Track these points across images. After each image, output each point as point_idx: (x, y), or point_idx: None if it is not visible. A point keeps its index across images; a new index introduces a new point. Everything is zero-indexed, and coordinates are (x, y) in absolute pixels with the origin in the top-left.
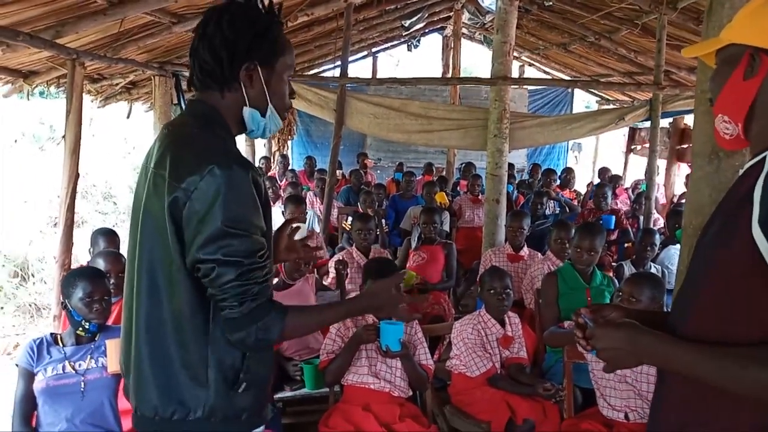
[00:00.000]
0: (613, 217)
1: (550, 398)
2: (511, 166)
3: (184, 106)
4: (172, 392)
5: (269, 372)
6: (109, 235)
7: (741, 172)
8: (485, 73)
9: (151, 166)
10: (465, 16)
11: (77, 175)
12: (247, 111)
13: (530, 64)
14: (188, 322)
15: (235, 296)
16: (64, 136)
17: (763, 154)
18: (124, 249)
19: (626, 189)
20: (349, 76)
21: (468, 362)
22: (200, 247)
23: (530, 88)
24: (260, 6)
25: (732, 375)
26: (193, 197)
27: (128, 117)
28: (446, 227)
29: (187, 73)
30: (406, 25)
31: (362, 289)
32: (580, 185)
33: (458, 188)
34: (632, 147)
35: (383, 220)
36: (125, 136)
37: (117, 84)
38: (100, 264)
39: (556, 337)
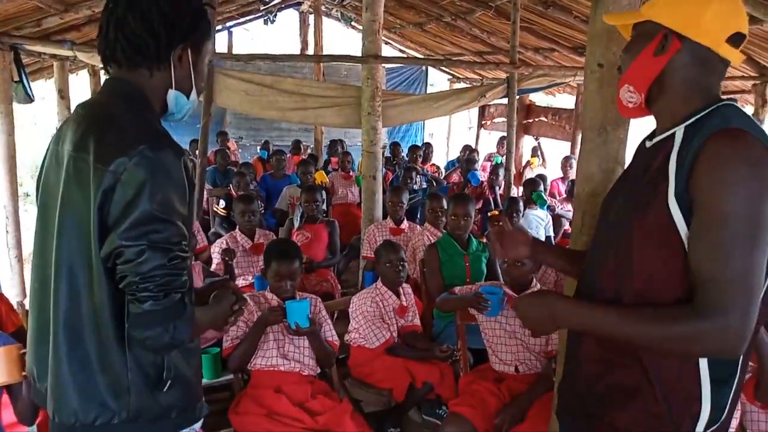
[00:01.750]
0: (477, 173)
1: (446, 360)
2: None
3: (26, 84)
4: (94, 395)
5: (196, 366)
6: None
7: (649, 144)
8: (342, 50)
9: (67, 149)
10: None
11: None
12: (171, 93)
13: (386, 43)
14: (107, 321)
15: (160, 285)
16: None
17: (673, 130)
18: None
19: (485, 162)
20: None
21: (367, 334)
22: (125, 231)
23: (387, 66)
24: None
25: (648, 334)
26: (123, 179)
27: None
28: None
29: (29, 47)
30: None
31: (262, 272)
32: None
33: (329, 166)
34: (483, 123)
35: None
36: None
37: None
38: None
39: (450, 303)
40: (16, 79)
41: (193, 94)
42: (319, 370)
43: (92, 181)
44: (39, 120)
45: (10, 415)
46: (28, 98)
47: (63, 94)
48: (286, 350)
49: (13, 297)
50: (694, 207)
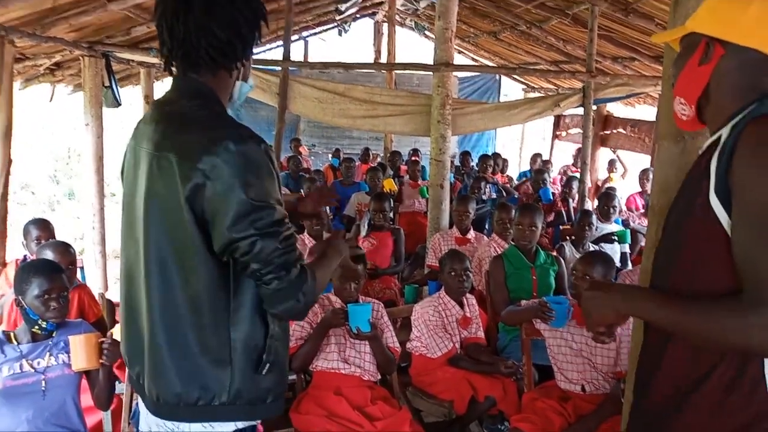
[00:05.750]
0: (550, 189)
1: (511, 375)
2: None
3: (115, 89)
4: (195, 378)
5: (288, 353)
6: (43, 224)
7: (700, 151)
8: (415, 59)
9: (147, 148)
10: (399, 2)
11: (10, 161)
12: (238, 84)
13: (459, 52)
14: (207, 305)
15: (280, 265)
16: None
17: (719, 133)
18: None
19: (559, 175)
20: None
21: (429, 344)
22: (231, 226)
23: (460, 75)
24: None
25: (698, 325)
26: (212, 177)
27: (51, 100)
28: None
29: (119, 54)
30: (342, 9)
31: None
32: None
33: (399, 174)
34: (557, 133)
35: (326, 207)
36: (43, 121)
37: (41, 65)
38: (49, 256)
39: (514, 315)
40: (107, 84)
41: (251, 79)
42: (379, 376)
43: (179, 177)
44: (126, 125)
45: (88, 399)
46: (116, 102)
47: (148, 99)
48: (347, 354)
49: (95, 289)
50: (732, 198)
